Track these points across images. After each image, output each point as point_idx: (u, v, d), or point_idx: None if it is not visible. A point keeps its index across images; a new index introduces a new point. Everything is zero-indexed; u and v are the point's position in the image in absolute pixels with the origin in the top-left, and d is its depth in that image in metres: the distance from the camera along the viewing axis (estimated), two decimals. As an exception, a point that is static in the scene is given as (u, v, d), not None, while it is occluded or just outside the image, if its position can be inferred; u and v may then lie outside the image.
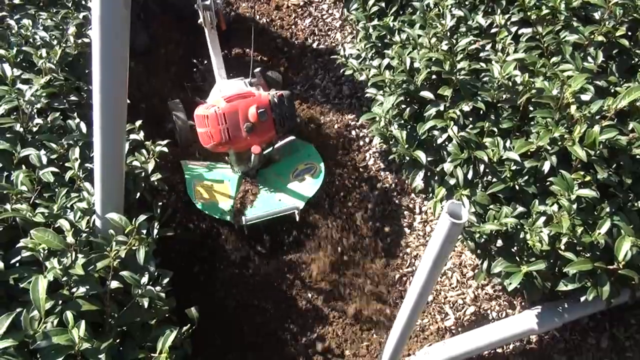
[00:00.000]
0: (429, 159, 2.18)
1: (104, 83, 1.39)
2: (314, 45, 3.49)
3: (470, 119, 2.10)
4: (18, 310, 1.42)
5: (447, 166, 2.09)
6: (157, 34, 3.39)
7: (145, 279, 1.63)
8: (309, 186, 2.55)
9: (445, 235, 1.24)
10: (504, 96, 2.04)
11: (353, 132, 3.10)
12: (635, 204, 1.84)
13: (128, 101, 1.51)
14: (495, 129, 2.04)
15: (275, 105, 2.43)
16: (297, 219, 2.48)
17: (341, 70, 3.19)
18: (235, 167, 2.63)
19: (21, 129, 1.92)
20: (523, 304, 2.48)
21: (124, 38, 1.33)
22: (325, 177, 2.59)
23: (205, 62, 3.22)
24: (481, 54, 2.21)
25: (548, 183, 1.88)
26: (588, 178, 1.80)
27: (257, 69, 2.77)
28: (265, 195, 2.58)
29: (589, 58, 1.99)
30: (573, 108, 1.84)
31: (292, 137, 2.59)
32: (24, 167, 1.81)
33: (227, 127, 2.36)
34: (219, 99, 2.43)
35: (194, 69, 3.29)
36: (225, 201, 2.46)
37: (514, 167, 1.94)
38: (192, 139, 2.75)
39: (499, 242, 2.04)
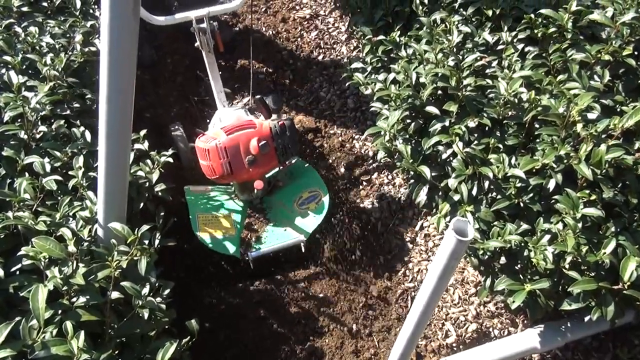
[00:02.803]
0: (433, 174, 2.17)
1: (111, 93, 1.38)
2: (320, 58, 3.50)
3: (476, 135, 2.09)
4: (17, 319, 1.41)
5: (452, 182, 2.08)
6: (163, 45, 3.41)
7: (146, 290, 1.62)
8: (313, 218, 2.54)
9: (451, 252, 1.23)
10: (510, 113, 2.04)
11: (357, 145, 3.10)
12: (641, 224, 1.84)
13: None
14: (501, 146, 2.03)
15: (277, 135, 2.41)
16: (303, 250, 2.47)
17: (346, 84, 3.20)
18: (239, 195, 2.62)
19: (25, 136, 1.92)
20: (525, 322, 2.46)
21: (132, 49, 1.33)
22: (331, 211, 2.58)
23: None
24: (487, 71, 2.21)
25: (553, 201, 1.87)
26: (593, 197, 1.79)
27: (257, 97, 2.76)
28: (270, 227, 2.56)
29: (596, 77, 1.99)
30: (579, 126, 1.83)
31: (296, 159, 2.58)
32: (27, 174, 1.80)
33: (229, 161, 2.34)
34: (219, 131, 2.40)
35: (200, 82, 3.31)
36: (229, 235, 2.45)
37: (518, 184, 1.93)
38: (195, 160, 2.75)
39: (503, 260, 2.03)
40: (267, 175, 2.62)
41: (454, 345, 2.40)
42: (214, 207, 2.56)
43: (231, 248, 2.39)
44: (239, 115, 2.59)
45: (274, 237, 2.51)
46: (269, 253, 2.44)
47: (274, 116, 2.53)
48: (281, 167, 2.53)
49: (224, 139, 2.34)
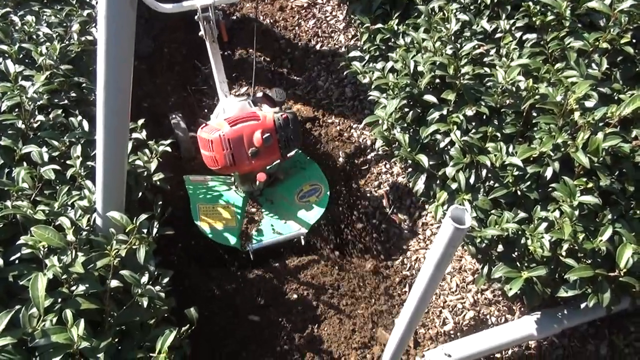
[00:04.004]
0: (431, 162, 2.17)
1: (109, 82, 1.38)
2: (317, 47, 3.49)
3: (473, 123, 2.09)
4: (17, 307, 1.41)
5: (449, 170, 2.09)
6: (160, 34, 3.39)
7: (145, 278, 1.63)
8: (314, 211, 2.55)
9: (448, 240, 1.24)
10: (508, 101, 2.04)
11: (355, 135, 3.10)
12: (637, 212, 1.84)
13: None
14: (498, 134, 2.03)
15: (280, 127, 2.41)
16: (303, 242, 2.49)
17: (344, 73, 3.19)
18: (239, 187, 2.62)
19: (23, 126, 1.91)
20: (522, 309, 2.48)
21: (129, 38, 1.33)
22: (329, 200, 2.59)
23: (207, 67, 3.23)
24: (485, 59, 2.20)
25: (550, 189, 1.88)
26: (590, 185, 1.80)
27: (260, 94, 2.74)
28: (271, 220, 2.57)
29: (593, 65, 1.99)
30: (577, 114, 1.83)
31: (295, 150, 2.59)
32: (25, 164, 1.80)
33: (232, 153, 2.34)
34: (223, 122, 2.40)
35: (197, 72, 3.29)
36: (230, 226, 2.46)
37: (516, 173, 1.94)
38: (194, 150, 2.76)
39: (500, 247, 2.04)
40: (267, 167, 2.63)
41: (452, 332, 2.42)
42: (214, 198, 2.57)
43: (232, 239, 2.40)
44: (243, 106, 2.59)
45: (275, 229, 2.52)
46: (269, 245, 2.46)
47: (276, 108, 2.53)
48: (282, 160, 2.54)
49: (228, 131, 2.34)
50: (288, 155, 2.50)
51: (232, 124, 2.36)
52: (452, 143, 2.10)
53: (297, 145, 2.51)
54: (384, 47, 2.57)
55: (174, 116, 2.84)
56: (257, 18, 3.54)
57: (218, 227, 2.42)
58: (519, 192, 1.96)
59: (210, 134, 2.37)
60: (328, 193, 2.59)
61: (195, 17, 2.51)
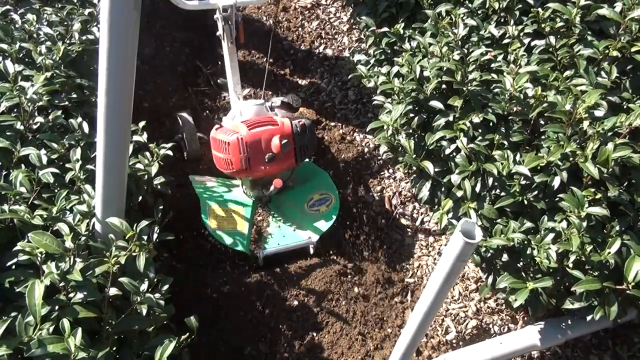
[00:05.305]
0: (436, 169, 2.14)
1: (110, 85, 1.35)
2: (321, 49, 3.45)
3: (480, 130, 2.06)
4: (13, 315, 1.38)
5: (455, 178, 2.06)
6: (162, 33, 3.35)
7: (144, 286, 1.60)
8: (324, 220, 2.53)
9: (458, 254, 1.20)
10: (515, 109, 2.01)
11: (358, 138, 3.07)
12: (646, 224, 1.82)
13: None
14: (505, 142, 2.00)
15: (297, 134, 2.38)
16: (312, 252, 2.46)
17: (349, 76, 3.16)
18: (249, 191, 2.59)
19: (22, 127, 1.88)
20: (526, 318, 2.45)
21: (132, 41, 1.30)
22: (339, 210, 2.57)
23: (209, 68, 3.20)
24: (493, 65, 2.17)
25: (558, 199, 1.85)
26: (599, 195, 1.77)
27: (278, 100, 2.71)
28: (280, 226, 2.54)
29: (603, 73, 1.96)
30: (586, 124, 1.80)
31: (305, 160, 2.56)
32: (23, 166, 1.77)
33: (249, 157, 2.30)
34: (240, 125, 2.35)
35: (199, 72, 3.26)
36: (239, 230, 2.43)
37: (523, 182, 1.91)
38: (200, 151, 2.72)
39: (505, 257, 2.01)
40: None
41: (454, 341, 2.39)
42: (224, 200, 2.53)
43: (241, 244, 2.37)
44: (259, 110, 2.54)
45: (284, 237, 2.49)
46: (278, 252, 2.43)
47: (291, 114, 2.50)
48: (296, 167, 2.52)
49: (246, 134, 2.29)
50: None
51: (250, 127, 2.32)
52: (458, 150, 2.07)
53: (312, 153, 2.47)
54: (389, 51, 2.54)
55: (181, 114, 2.79)
56: (275, 19, 3.49)
57: (226, 229, 2.38)
58: (525, 202, 1.93)
59: (227, 135, 2.31)
60: (338, 203, 2.56)
61: (215, 17, 2.48)
